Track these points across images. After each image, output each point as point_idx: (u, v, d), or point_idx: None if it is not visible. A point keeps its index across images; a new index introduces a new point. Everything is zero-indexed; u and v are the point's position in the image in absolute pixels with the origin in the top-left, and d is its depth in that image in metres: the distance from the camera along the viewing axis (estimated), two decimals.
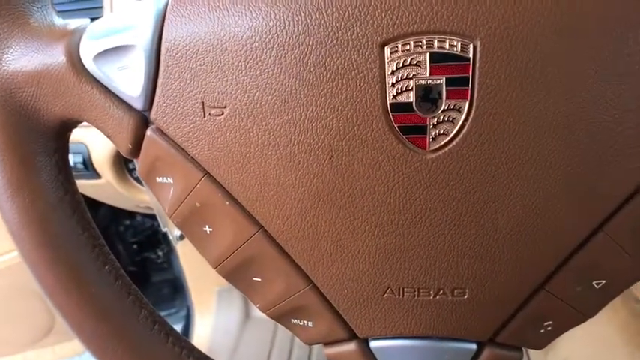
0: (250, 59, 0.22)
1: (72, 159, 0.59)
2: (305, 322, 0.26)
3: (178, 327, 1.27)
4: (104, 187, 0.60)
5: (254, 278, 0.26)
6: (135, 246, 1.17)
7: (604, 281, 0.24)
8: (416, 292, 0.24)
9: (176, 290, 1.28)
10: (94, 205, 0.87)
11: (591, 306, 0.25)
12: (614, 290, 0.25)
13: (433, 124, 0.21)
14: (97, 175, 0.59)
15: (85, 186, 0.62)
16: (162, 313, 1.27)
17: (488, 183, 0.22)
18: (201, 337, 1.19)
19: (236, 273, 0.26)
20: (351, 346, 0.26)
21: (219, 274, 0.26)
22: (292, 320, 0.27)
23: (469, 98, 0.21)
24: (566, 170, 0.21)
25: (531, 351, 0.94)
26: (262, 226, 0.24)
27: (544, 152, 0.21)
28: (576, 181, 0.22)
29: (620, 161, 0.22)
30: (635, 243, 0.23)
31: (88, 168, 0.58)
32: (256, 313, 1.12)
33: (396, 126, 0.21)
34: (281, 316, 0.27)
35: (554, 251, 0.23)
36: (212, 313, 1.15)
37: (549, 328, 0.25)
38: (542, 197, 0.22)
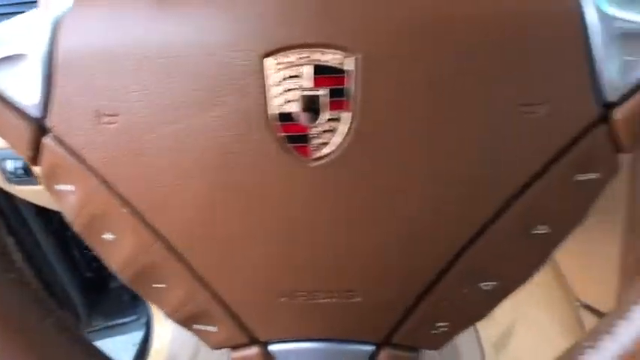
0: (141, 70, 0.22)
1: (13, 164, 0.58)
2: (208, 327, 0.27)
3: (139, 334, 1.26)
4: (44, 192, 0.60)
5: (156, 285, 0.26)
6: (91, 252, 1.15)
7: (491, 284, 0.25)
8: (309, 295, 0.24)
9: (137, 297, 1.26)
10: (48, 210, 0.86)
11: (481, 308, 0.26)
12: (503, 293, 0.26)
13: (316, 134, 0.22)
14: (37, 181, 0.58)
15: (26, 192, 0.61)
16: (124, 320, 1.24)
17: (372, 190, 0.22)
18: (160, 345, 1.18)
19: (138, 280, 0.26)
20: (253, 351, 0.27)
21: (123, 280, 0.27)
22: (196, 326, 0.27)
23: (351, 110, 0.21)
24: (450, 178, 0.22)
25: (486, 350, 0.96)
26: (161, 234, 0.25)
27: (428, 161, 0.22)
28: (460, 188, 0.23)
29: (503, 166, 0.23)
30: (517, 247, 0.24)
31: (28, 173, 0.57)
32: None
33: (280, 135, 0.22)
34: (185, 322, 0.27)
35: (441, 254, 0.24)
36: (171, 320, 1.14)
37: (444, 329, 0.26)
38: (427, 204, 0.23)
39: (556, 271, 0.75)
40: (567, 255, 0.73)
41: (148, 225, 0.24)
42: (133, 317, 1.29)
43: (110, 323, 1.26)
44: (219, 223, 0.23)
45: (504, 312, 0.90)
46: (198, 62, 0.22)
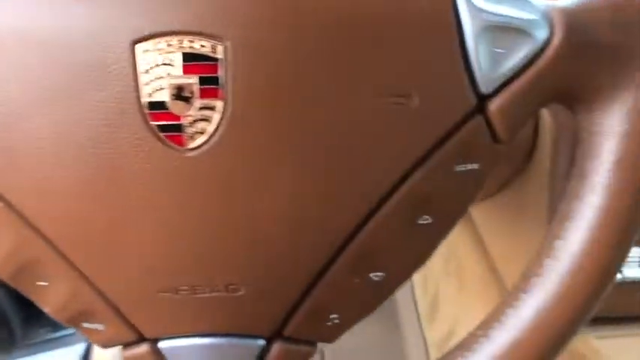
0: (13, 57, 0.21)
1: None
2: (95, 325, 0.26)
3: (82, 346, 1.22)
4: None
5: (39, 283, 0.25)
6: None
7: (381, 274, 0.25)
8: (191, 290, 0.24)
9: None
10: None
11: (374, 297, 0.26)
12: (394, 282, 0.26)
13: (189, 123, 0.22)
14: None
15: None
16: (66, 333, 1.21)
17: (249, 180, 0.22)
18: (103, 357, 1.14)
19: (20, 278, 0.25)
20: (143, 348, 0.26)
21: (3, 279, 0.26)
22: (84, 324, 0.26)
23: (223, 98, 0.21)
24: (325, 168, 0.22)
25: (430, 351, 0.97)
26: (39, 229, 0.24)
27: (302, 150, 0.22)
28: (337, 178, 0.23)
29: (378, 157, 0.23)
30: (404, 234, 0.25)
31: None
32: None
33: (153, 124, 0.22)
34: (72, 321, 0.26)
35: (324, 245, 0.24)
36: None
37: (336, 321, 0.26)
38: (305, 194, 0.23)
39: (492, 269, 0.77)
40: (501, 251, 0.75)
41: (25, 219, 0.23)
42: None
43: (52, 336, 1.22)
44: (95, 217, 0.23)
45: (448, 312, 0.91)
46: (72, 48, 0.21)
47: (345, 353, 0.96)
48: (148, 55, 0.21)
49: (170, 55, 0.21)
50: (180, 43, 0.21)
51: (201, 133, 0.22)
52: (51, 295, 0.25)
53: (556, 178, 0.52)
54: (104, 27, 0.21)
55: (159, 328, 0.25)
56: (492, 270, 0.78)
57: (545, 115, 0.50)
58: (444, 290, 0.93)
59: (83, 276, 0.24)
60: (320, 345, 0.27)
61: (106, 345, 0.27)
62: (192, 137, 0.22)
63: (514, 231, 0.66)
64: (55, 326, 1.21)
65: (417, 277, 1.06)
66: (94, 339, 0.27)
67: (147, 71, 0.21)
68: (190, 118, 0.21)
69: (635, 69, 0.24)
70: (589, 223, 0.25)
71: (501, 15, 0.23)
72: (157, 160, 0.22)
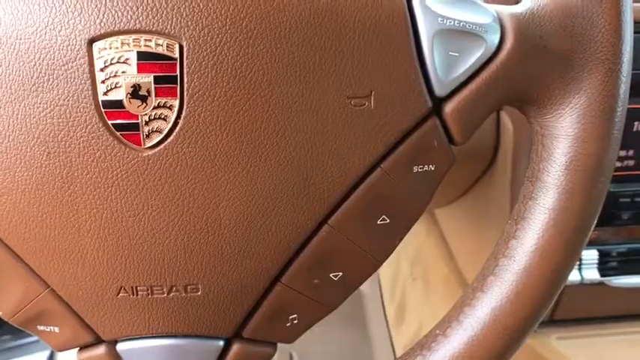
0: None
1: None
2: (51, 328, 0.26)
3: (45, 354, 1.19)
4: None
5: None
6: None
7: (340, 274, 0.26)
8: (149, 291, 0.24)
9: None
10: None
11: (333, 298, 0.26)
12: (353, 282, 0.26)
13: (145, 121, 0.21)
14: None
15: None
16: (28, 340, 1.17)
17: (205, 179, 0.22)
18: None
19: None
20: (100, 350, 0.26)
21: None
22: (39, 327, 0.26)
23: (179, 97, 0.21)
24: (283, 168, 0.23)
25: (397, 347, 0.97)
26: None
27: (260, 151, 0.22)
28: (295, 178, 0.23)
29: (336, 158, 0.23)
30: (363, 235, 0.25)
31: None
32: None
33: (109, 122, 0.21)
34: (27, 323, 0.26)
35: (282, 245, 0.24)
36: None
37: (295, 322, 0.26)
38: (262, 194, 0.23)
39: (457, 271, 0.78)
40: (465, 254, 0.76)
41: None
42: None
43: (14, 344, 1.19)
44: (48, 215, 0.22)
45: (414, 315, 0.92)
46: (19, 47, 0.21)
47: (314, 359, 0.96)
48: (103, 53, 0.21)
49: (126, 54, 0.21)
50: (137, 42, 0.21)
51: (158, 132, 0.22)
52: (5, 297, 0.25)
53: (517, 183, 0.53)
54: (61, 25, 0.21)
55: (116, 329, 0.25)
56: (457, 272, 0.80)
57: (507, 121, 0.51)
58: (410, 294, 0.94)
59: (39, 278, 0.24)
60: (289, 350, 0.27)
61: (61, 348, 0.26)
62: (148, 136, 0.22)
63: (478, 234, 0.68)
64: (17, 333, 1.17)
65: (385, 283, 1.07)
66: (48, 342, 0.26)
67: (103, 69, 0.21)
68: (148, 117, 0.21)
69: (585, 74, 0.25)
70: (542, 224, 0.26)
71: (456, 19, 0.23)
72: (113, 159, 0.22)
